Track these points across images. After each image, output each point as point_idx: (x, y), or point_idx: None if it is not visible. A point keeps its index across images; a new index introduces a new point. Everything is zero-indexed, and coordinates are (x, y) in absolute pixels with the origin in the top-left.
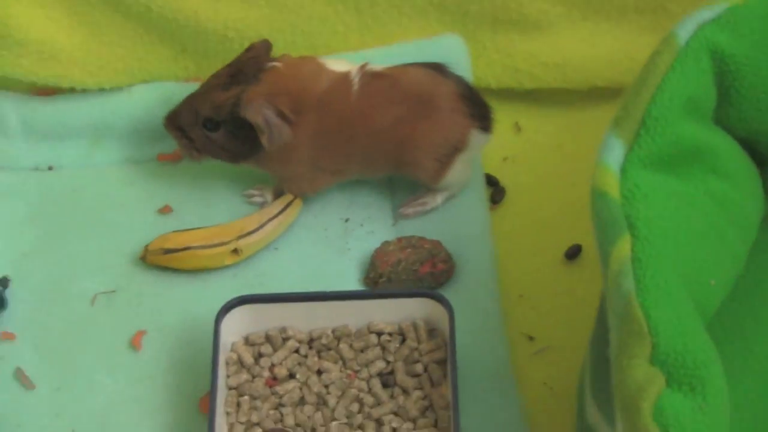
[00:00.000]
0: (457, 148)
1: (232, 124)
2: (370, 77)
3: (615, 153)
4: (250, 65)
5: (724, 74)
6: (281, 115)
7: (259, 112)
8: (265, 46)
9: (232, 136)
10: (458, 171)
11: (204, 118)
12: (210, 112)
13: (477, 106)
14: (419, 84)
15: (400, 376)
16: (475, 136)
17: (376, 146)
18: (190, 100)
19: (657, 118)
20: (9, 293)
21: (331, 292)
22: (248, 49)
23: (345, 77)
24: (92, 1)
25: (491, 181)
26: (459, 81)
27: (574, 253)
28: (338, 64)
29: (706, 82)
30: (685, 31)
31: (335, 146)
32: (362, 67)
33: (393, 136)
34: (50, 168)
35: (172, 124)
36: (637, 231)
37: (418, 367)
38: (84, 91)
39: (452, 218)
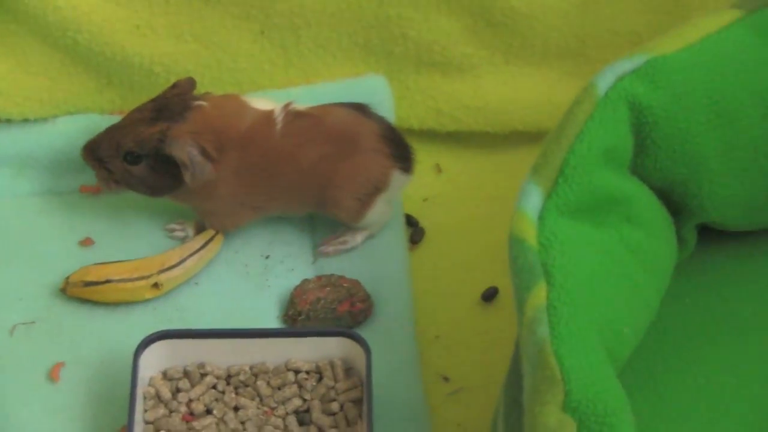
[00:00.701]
0: (378, 188)
1: (154, 159)
2: (294, 116)
3: (533, 200)
4: (175, 102)
5: (641, 125)
6: (204, 153)
7: (184, 150)
8: (190, 83)
9: (152, 170)
10: (379, 211)
11: (125, 151)
12: (132, 146)
13: (399, 147)
14: (342, 124)
15: (316, 414)
16: (396, 177)
17: (298, 184)
18: (111, 132)
19: (575, 167)
20: None
21: (249, 329)
22: (173, 86)
23: (268, 116)
24: (19, 31)
25: (411, 222)
26: (381, 121)
27: (490, 295)
28: (262, 102)
29: (624, 133)
30: (604, 82)
31: (257, 183)
32: (286, 106)
33: (315, 175)
34: None
35: (91, 154)
36: (552, 279)
37: (334, 406)
38: (8, 121)
39: (371, 257)
